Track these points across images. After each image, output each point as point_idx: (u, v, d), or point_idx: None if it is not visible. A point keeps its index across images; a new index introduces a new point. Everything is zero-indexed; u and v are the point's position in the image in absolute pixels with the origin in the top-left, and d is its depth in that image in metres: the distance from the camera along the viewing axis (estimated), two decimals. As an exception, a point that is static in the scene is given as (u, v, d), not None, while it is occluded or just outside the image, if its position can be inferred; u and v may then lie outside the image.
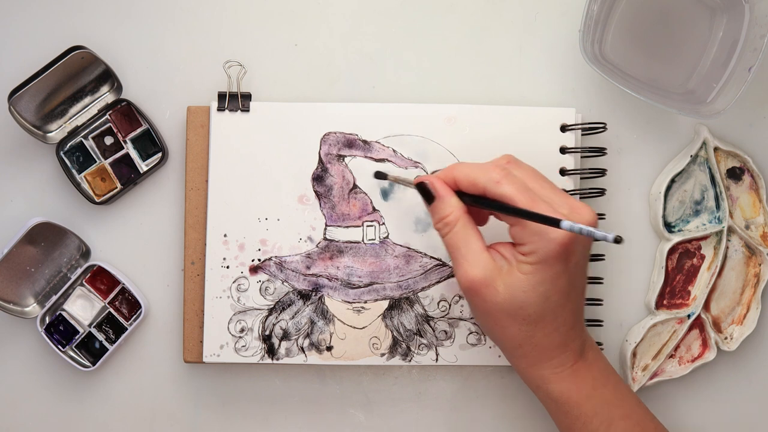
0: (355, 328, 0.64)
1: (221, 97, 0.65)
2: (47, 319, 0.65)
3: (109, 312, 0.66)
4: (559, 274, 0.53)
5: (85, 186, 0.66)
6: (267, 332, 0.64)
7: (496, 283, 0.54)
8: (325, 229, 0.64)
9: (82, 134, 0.66)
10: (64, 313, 0.65)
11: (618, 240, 0.48)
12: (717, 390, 0.68)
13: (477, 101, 0.66)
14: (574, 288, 0.55)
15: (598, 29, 0.65)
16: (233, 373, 0.67)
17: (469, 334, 0.65)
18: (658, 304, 0.66)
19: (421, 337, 0.65)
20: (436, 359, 0.65)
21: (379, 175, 0.64)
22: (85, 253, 0.66)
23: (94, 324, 0.66)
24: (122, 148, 0.66)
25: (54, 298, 0.65)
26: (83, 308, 0.66)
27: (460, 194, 0.56)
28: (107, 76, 0.65)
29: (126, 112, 0.66)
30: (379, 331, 0.64)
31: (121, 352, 0.67)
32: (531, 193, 0.54)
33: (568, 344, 0.56)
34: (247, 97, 0.65)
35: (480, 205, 0.56)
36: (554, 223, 0.51)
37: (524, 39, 0.68)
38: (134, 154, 0.66)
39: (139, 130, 0.66)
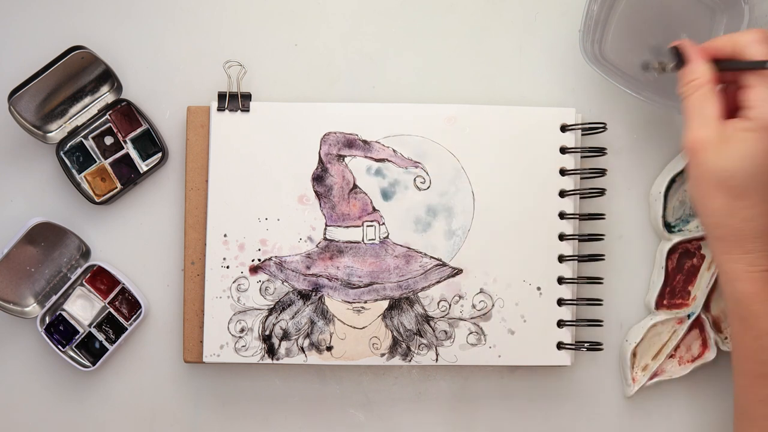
0: (355, 328, 0.64)
1: (221, 97, 0.65)
2: (47, 319, 0.65)
3: (109, 312, 0.66)
4: None
5: (85, 186, 0.66)
6: (267, 332, 0.64)
7: (716, 147, 0.54)
8: (325, 229, 0.64)
9: (82, 134, 0.66)
10: (64, 313, 0.65)
11: None
12: (717, 390, 0.68)
13: (477, 101, 0.66)
14: None
15: (598, 29, 0.65)
16: (233, 373, 0.67)
17: (469, 334, 0.65)
18: (658, 304, 0.66)
19: (421, 337, 0.65)
20: (436, 359, 0.65)
21: (646, 66, 0.63)
22: (85, 253, 0.66)
23: (94, 324, 0.66)
24: (122, 148, 0.66)
25: (54, 298, 0.65)
26: (83, 308, 0.66)
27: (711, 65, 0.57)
28: (107, 76, 0.65)
29: (126, 112, 0.66)
30: (379, 331, 0.64)
31: (121, 352, 0.67)
32: None
33: (766, 242, 0.54)
34: (247, 97, 0.65)
35: (730, 68, 0.57)
36: None
37: (524, 39, 0.68)
38: (134, 154, 0.66)
39: (139, 130, 0.66)
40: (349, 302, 0.64)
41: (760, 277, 0.54)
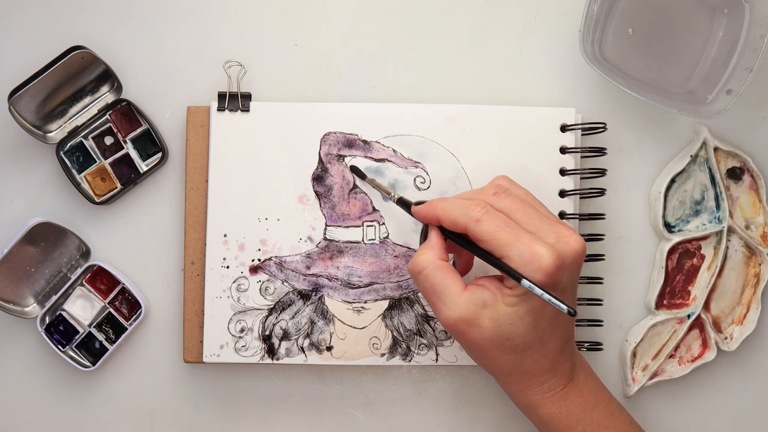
0: (355, 328, 0.64)
1: (221, 97, 0.65)
2: (47, 319, 0.65)
3: (109, 312, 0.66)
4: (545, 304, 0.53)
5: (85, 186, 0.66)
6: (267, 332, 0.64)
7: (480, 319, 0.54)
8: (325, 229, 0.64)
9: (82, 134, 0.66)
10: (64, 313, 0.65)
11: (571, 312, 0.50)
12: (717, 390, 0.68)
13: (477, 101, 0.66)
14: (561, 315, 0.55)
15: (598, 29, 0.65)
16: (233, 373, 0.67)
17: (469, 334, 0.65)
18: (658, 304, 0.66)
19: (421, 337, 0.65)
20: (436, 359, 0.65)
21: (355, 171, 0.64)
22: (85, 253, 0.66)
23: (94, 324, 0.66)
24: (122, 148, 0.66)
25: (54, 298, 0.65)
26: (83, 308, 0.66)
27: (444, 230, 0.57)
28: (107, 76, 0.65)
29: (126, 112, 0.66)
30: (379, 331, 0.64)
31: (121, 352, 0.67)
32: (512, 227, 0.53)
33: (558, 368, 0.56)
34: (247, 97, 0.65)
35: (461, 244, 0.56)
36: (516, 278, 0.51)
37: (524, 39, 0.68)
38: (134, 154, 0.66)
39: (139, 130, 0.66)
40: (349, 302, 0.64)
41: (560, 397, 0.56)
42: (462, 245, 0.56)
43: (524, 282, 0.51)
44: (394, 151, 0.65)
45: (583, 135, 0.66)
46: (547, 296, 0.51)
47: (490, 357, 0.55)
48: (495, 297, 0.54)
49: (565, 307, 0.50)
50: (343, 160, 0.65)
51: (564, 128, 0.65)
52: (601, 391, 0.59)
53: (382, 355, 0.64)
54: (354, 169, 0.64)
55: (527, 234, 0.53)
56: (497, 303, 0.54)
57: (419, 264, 0.55)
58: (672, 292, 0.67)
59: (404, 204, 0.60)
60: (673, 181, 0.66)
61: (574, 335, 0.58)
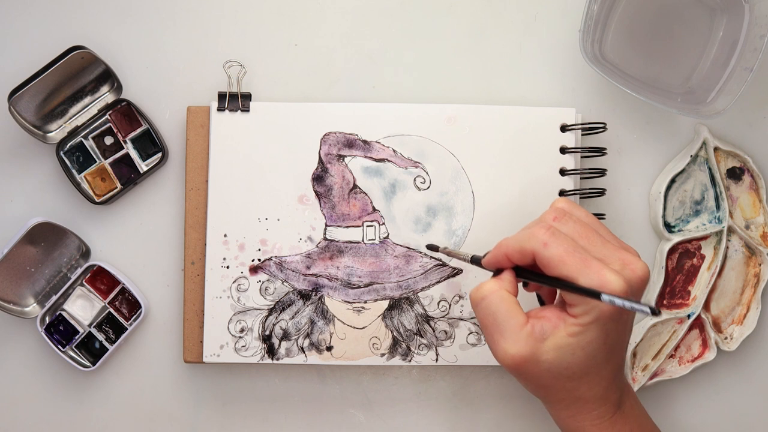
0: (355, 328, 0.64)
1: (221, 97, 0.65)
2: (47, 319, 0.65)
3: (109, 312, 0.66)
4: (609, 332, 0.53)
5: (85, 186, 0.66)
6: (267, 332, 0.64)
7: (539, 354, 0.53)
8: (325, 229, 0.64)
9: (82, 134, 0.66)
10: (64, 313, 0.65)
11: (655, 312, 0.48)
12: (717, 390, 0.68)
13: (477, 101, 0.66)
14: (620, 342, 0.55)
15: (598, 29, 0.65)
16: (233, 373, 0.67)
17: (469, 334, 0.65)
18: (658, 304, 0.66)
19: (421, 337, 0.65)
20: (436, 359, 0.65)
21: (432, 248, 0.64)
22: (85, 253, 0.66)
23: (94, 324, 0.66)
24: (122, 148, 0.66)
25: (54, 298, 0.65)
26: (83, 308, 0.66)
27: (519, 269, 0.55)
28: (107, 76, 0.65)
29: (126, 112, 0.66)
30: (379, 331, 0.64)
31: (121, 352, 0.67)
32: (580, 252, 0.52)
33: (609, 396, 0.55)
34: (247, 97, 0.65)
35: (534, 280, 0.55)
36: (595, 296, 0.50)
37: (524, 39, 0.68)
38: (134, 154, 0.66)
39: (139, 130, 0.66)
40: (349, 302, 0.64)
41: (609, 425, 0.56)
42: (533, 279, 0.55)
43: (604, 297, 0.50)
44: (394, 151, 0.65)
45: (583, 135, 0.66)
46: (629, 304, 0.49)
47: (546, 386, 0.55)
48: (556, 327, 0.53)
49: (648, 309, 0.49)
50: (343, 160, 0.65)
51: (564, 128, 0.65)
52: (646, 420, 0.58)
53: (382, 355, 0.64)
54: (431, 247, 0.64)
55: (595, 260, 0.52)
56: (558, 333, 0.53)
57: (483, 291, 0.54)
58: (672, 292, 0.67)
59: (477, 261, 0.58)
60: (673, 181, 0.66)
61: (624, 363, 0.58)
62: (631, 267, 0.52)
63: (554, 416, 0.57)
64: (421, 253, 0.65)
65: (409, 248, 0.65)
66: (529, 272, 0.55)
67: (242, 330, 0.64)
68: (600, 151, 0.65)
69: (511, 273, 0.55)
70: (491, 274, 0.57)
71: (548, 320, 0.53)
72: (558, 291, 0.56)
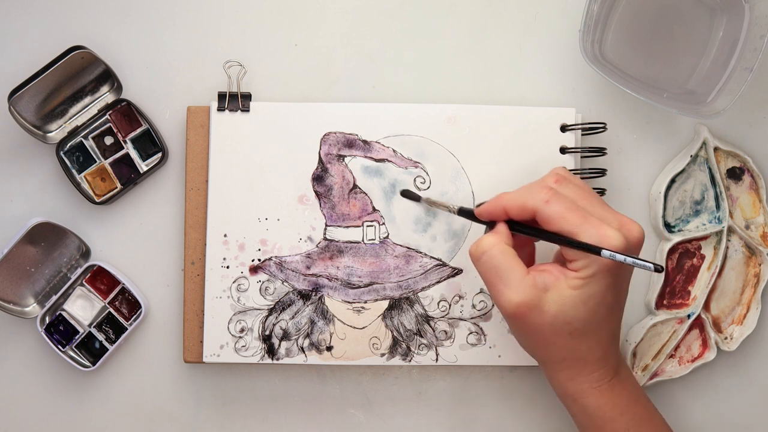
0: (355, 328, 0.64)
1: (221, 97, 0.65)
2: (47, 319, 0.65)
3: (109, 312, 0.66)
4: (609, 287, 0.54)
5: (85, 186, 0.66)
6: (267, 332, 0.64)
7: (542, 303, 0.54)
8: (325, 229, 0.64)
9: (82, 134, 0.66)
10: (64, 313, 0.65)
11: (658, 269, 0.50)
12: (717, 390, 0.68)
13: (477, 101, 0.66)
14: (618, 302, 0.56)
15: (598, 29, 0.65)
16: (233, 373, 0.67)
17: (469, 334, 0.65)
18: (658, 304, 0.66)
19: (421, 337, 0.65)
20: (436, 359, 0.65)
21: (408, 194, 0.64)
22: (85, 253, 0.66)
23: (94, 324, 0.66)
24: (122, 148, 0.66)
25: (54, 298, 0.65)
26: (83, 308, 0.66)
27: (511, 224, 0.57)
28: (107, 76, 0.65)
29: (126, 112, 0.66)
30: (379, 331, 0.64)
31: (121, 352, 0.67)
32: (580, 210, 0.54)
33: (608, 359, 0.57)
34: (247, 97, 0.65)
35: (530, 233, 0.56)
36: (595, 251, 0.52)
37: (524, 39, 0.68)
38: (134, 154, 0.66)
39: (139, 130, 0.66)
40: (349, 302, 0.64)
41: (608, 388, 0.57)
42: (530, 233, 0.56)
43: (604, 252, 0.52)
44: (394, 151, 0.65)
45: (583, 135, 0.66)
46: (630, 259, 0.51)
47: (547, 342, 0.55)
48: (558, 280, 0.54)
49: (651, 265, 0.50)
50: (343, 160, 0.65)
51: (564, 128, 0.65)
52: (640, 389, 0.59)
53: (382, 355, 0.64)
54: (406, 194, 0.64)
55: (594, 217, 0.54)
56: (560, 286, 0.54)
57: (483, 245, 0.55)
58: (672, 292, 0.67)
59: (466, 213, 0.60)
60: (673, 181, 0.66)
61: (621, 331, 0.59)
62: (627, 227, 0.54)
63: (553, 380, 0.58)
64: (421, 253, 0.65)
65: (409, 248, 0.65)
66: (524, 226, 0.56)
67: (242, 330, 0.64)
68: (600, 151, 0.65)
69: (506, 226, 0.57)
70: (479, 226, 0.59)
71: (549, 273, 0.55)
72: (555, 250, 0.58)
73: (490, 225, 0.58)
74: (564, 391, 0.58)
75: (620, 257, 0.51)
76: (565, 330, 0.54)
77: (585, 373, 0.56)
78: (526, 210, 0.55)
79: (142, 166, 0.66)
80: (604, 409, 0.57)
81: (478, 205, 0.58)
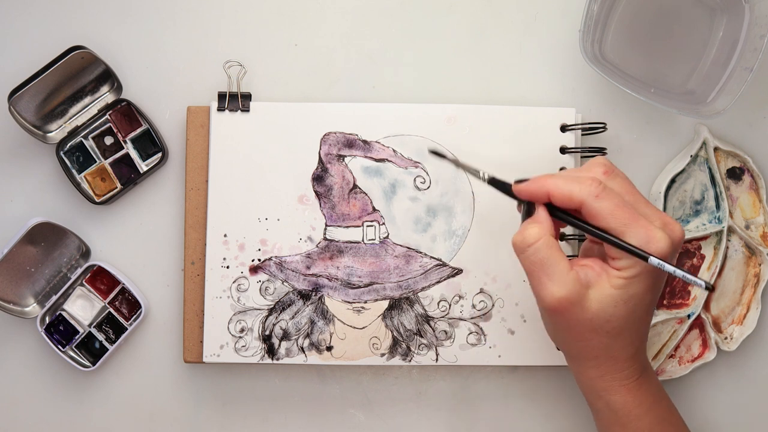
0: (355, 328, 0.64)
1: (221, 97, 0.65)
2: (47, 319, 0.65)
3: (109, 312, 0.66)
4: (649, 288, 0.53)
5: (85, 186, 0.66)
6: (267, 332, 0.64)
7: (584, 300, 0.53)
8: (325, 229, 0.64)
9: (82, 134, 0.66)
10: (64, 313, 0.65)
11: (709, 287, 0.49)
12: (717, 390, 0.68)
13: (477, 101, 0.66)
14: (653, 302, 0.55)
15: (598, 29, 0.65)
16: (233, 373, 0.67)
17: (469, 334, 0.65)
18: (658, 304, 0.66)
19: (421, 337, 0.65)
20: (436, 359, 0.65)
21: (436, 153, 0.60)
22: (85, 253, 0.66)
23: (94, 324, 0.66)
24: (122, 148, 0.66)
25: (54, 298, 0.65)
26: (83, 308, 0.66)
27: (550, 207, 0.55)
28: (107, 76, 0.65)
29: (126, 112, 0.66)
30: (379, 331, 0.64)
31: (121, 352, 0.67)
32: (629, 208, 0.53)
33: (638, 357, 0.56)
34: (247, 97, 0.65)
35: (574, 224, 0.55)
36: (643, 257, 0.51)
37: (524, 39, 0.68)
38: (134, 154, 0.66)
39: (139, 130, 0.66)
40: (349, 302, 0.64)
41: (635, 386, 0.56)
42: (572, 223, 0.54)
43: (652, 259, 0.51)
44: (394, 151, 0.65)
45: (583, 135, 0.66)
46: (680, 272, 0.50)
47: (582, 339, 0.55)
48: (600, 278, 0.53)
49: (702, 282, 0.50)
50: (343, 160, 0.65)
51: (564, 128, 0.65)
52: (663, 389, 0.59)
53: (382, 355, 0.64)
54: (435, 152, 0.60)
55: (642, 217, 0.53)
56: (602, 284, 0.53)
57: (528, 237, 0.53)
58: (672, 292, 0.67)
59: (498, 184, 0.57)
60: (673, 181, 0.66)
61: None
62: (670, 227, 0.53)
63: (581, 375, 0.57)
64: (421, 253, 0.65)
65: (409, 248, 0.65)
66: (567, 214, 0.54)
67: (242, 330, 0.64)
68: (600, 151, 0.65)
69: (547, 214, 0.54)
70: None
71: (592, 269, 0.54)
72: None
73: (524, 203, 0.55)
74: (591, 386, 0.57)
75: (670, 268, 0.50)
76: (604, 328, 0.54)
77: (615, 371, 0.56)
78: (573, 201, 0.53)
79: (142, 166, 0.66)
80: (629, 407, 0.56)
81: (518, 181, 0.55)
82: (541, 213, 0.55)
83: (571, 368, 0.58)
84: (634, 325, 0.54)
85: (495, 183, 0.57)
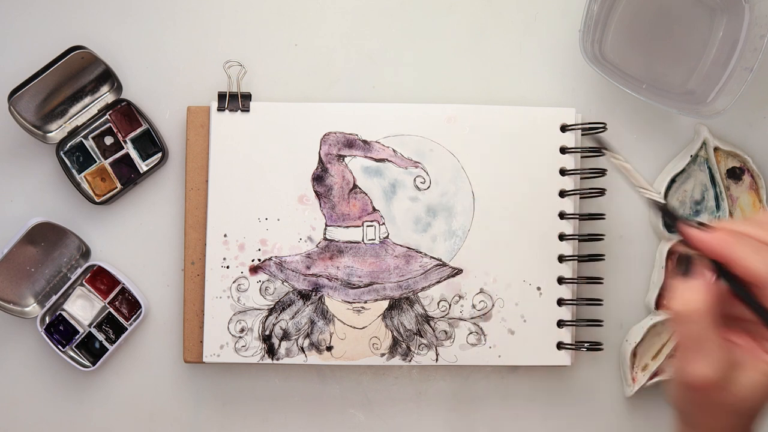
0: (355, 328, 0.64)
1: (221, 97, 0.65)
2: (47, 319, 0.65)
3: (109, 312, 0.66)
4: None
5: (85, 186, 0.66)
6: (267, 332, 0.64)
7: (729, 383, 0.47)
8: (325, 229, 0.64)
9: (82, 134, 0.66)
10: (64, 313, 0.65)
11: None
12: (717, 390, 0.68)
13: (477, 101, 0.66)
14: None
15: (598, 29, 0.65)
16: (233, 373, 0.67)
17: (469, 334, 0.65)
18: (658, 304, 0.66)
19: (421, 337, 0.65)
20: (436, 359, 0.65)
21: (602, 144, 0.54)
22: (85, 253, 0.66)
23: (94, 324, 0.66)
24: (122, 148, 0.66)
25: (54, 298, 0.65)
26: (83, 308, 0.66)
27: (719, 269, 0.48)
28: (107, 76, 0.65)
29: (126, 112, 0.66)
30: (379, 331, 0.64)
31: (121, 352, 0.67)
32: None
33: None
34: (247, 97, 0.65)
35: (747, 302, 0.47)
36: None
37: (524, 39, 0.68)
38: (134, 154, 0.66)
39: (139, 130, 0.66)
40: (349, 302, 0.64)
41: None
42: (746, 301, 0.47)
43: None
44: (394, 151, 0.65)
45: (583, 135, 0.66)
46: None
47: (720, 420, 0.49)
48: (754, 361, 0.47)
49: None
50: (343, 160, 0.65)
51: (564, 128, 0.65)
52: None
53: (382, 355, 0.64)
54: (600, 142, 0.55)
55: None
56: (756, 369, 0.47)
57: (691, 307, 0.47)
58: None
59: (667, 214, 0.51)
60: (673, 181, 0.66)
61: None
62: None
63: None
64: (421, 253, 0.65)
65: (409, 248, 0.65)
66: (740, 288, 0.47)
67: (242, 330, 0.64)
68: (600, 151, 0.65)
69: (715, 281, 0.47)
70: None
71: (743, 350, 0.48)
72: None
73: (687, 263, 0.48)
74: None
75: None
76: (746, 414, 0.48)
77: None
78: (756, 279, 0.46)
79: (142, 166, 0.66)
80: None
81: (697, 223, 0.49)
82: (711, 282, 0.47)
83: None
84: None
85: (665, 213, 0.51)
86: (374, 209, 0.65)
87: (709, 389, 0.48)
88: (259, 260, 0.64)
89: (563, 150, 0.65)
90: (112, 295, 0.66)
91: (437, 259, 0.65)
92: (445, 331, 0.65)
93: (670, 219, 0.50)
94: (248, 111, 0.65)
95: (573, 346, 0.65)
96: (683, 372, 0.48)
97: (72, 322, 0.65)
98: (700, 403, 0.49)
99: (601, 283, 0.66)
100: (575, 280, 0.65)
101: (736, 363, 0.47)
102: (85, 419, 0.67)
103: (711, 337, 0.47)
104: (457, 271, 0.65)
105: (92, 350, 0.66)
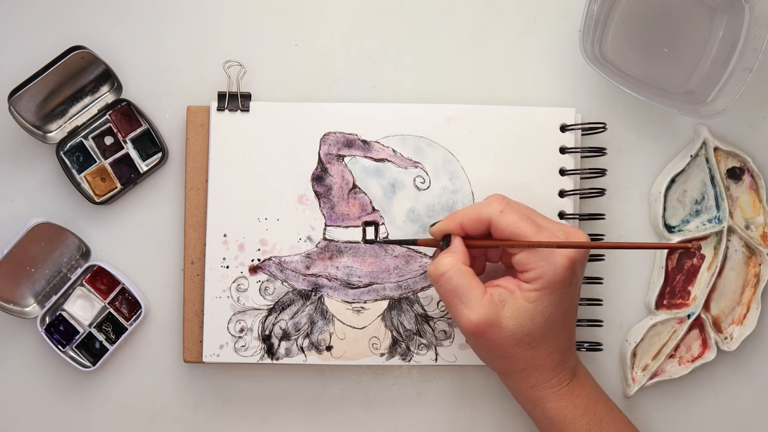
0: (354, 328, 0.64)
1: (221, 97, 0.65)
2: (47, 319, 0.65)
3: (109, 312, 0.66)
4: (563, 296, 0.56)
5: (85, 186, 0.66)
6: (267, 332, 0.64)
7: (500, 319, 0.56)
8: (325, 229, 0.64)
9: (82, 134, 0.66)
10: (64, 313, 0.65)
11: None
12: (717, 390, 0.68)
13: (477, 101, 0.66)
14: (572, 307, 0.58)
15: (598, 29, 0.65)
16: (233, 373, 0.67)
17: (468, 334, 0.65)
18: (658, 304, 0.66)
19: (421, 337, 0.65)
20: (436, 359, 0.65)
21: (369, 239, 0.64)
22: (85, 253, 0.66)
23: (94, 324, 0.66)
24: (122, 148, 0.66)
25: (54, 298, 0.65)
26: (83, 308, 0.66)
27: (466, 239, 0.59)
28: (107, 76, 0.65)
29: (126, 112, 0.66)
30: (378, 331, 0.64)
31: (121, 352, 0.67)
32: (532, 220, 0.57)
33: (566, 362, 0.58)
34: (247, 97, 0.65)
35: (485, 245, 0.58)
36: (556, 246, 0.55)
37: (524, 39, 0.68)
38: (134, 154, 0.66)
39: (139, 130, 0.66)
40: (348, 302, 0.64)
41: (566, 391, 0.58)
42: (485, 245, 0.58)
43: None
44: (393, 151, 0.65)
45: (583, 135, 0.66)
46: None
47: (507, 355, 0.57)
48: (513, 294, 0.56)
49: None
50: (343, 159, 0.65)
51: (564, 128, 0.65)
52: (600, 389, 0.61)
53: (382, 355, 0.64)
54: (368, 240, 0.65)
55: (545, 228, 0.56)
56: (516, 300, 0.56)
57: (441, 266, 0.57)
58: (672, 292, 0.67)
59: (407, 241, 0.63)
60: (673, 181, 0.66)
61: (575, 332, 0.60)
62: (574, 235, 0.57)
63: (514, 390, 0.60)
64: (420, 253, 0.65)
65: (408, 248, 0.65)
66: (480, 239, 0.58)
67: (242, 330, 0.64)
68: (600, 151, 0.65)
69: (462, 243, 0.58)
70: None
71: (504, 288, 0.57)
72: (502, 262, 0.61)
73: (443, 241, 0.59)
74: (524, 397, 0.59)
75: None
76: (524, 342, 0.56)
77: (544, 380, 0.58)
78: (482, 221, 0.57)
79: (142, 166, 0.66)
80: (564, 412, 0.58)
81: (432, 225, 0.60)
82: (455, 243, 0.58)
83: (505, 384, 0.61)
84: (554, 334, 0.57)
85: (404, 242, 0.63)
86: (374, 209, 0.65)
87: (483, 330, 0.56)
88: (259, 260, 0.64)
89: (563, 150, 0.65)
90: (112, 295, 0.66)
91: (437, 259, 0.65)
92: (444, 330, 0.65)
93: (411, 243, 0.63)
94: (248, 111, 0.65)
95: (573, 346, 0.65)
96: (458, 324, 0.57)
97: (72, 322, 0.65)
98: (485, 345, 0.57)
99: (601, 283, 0.66)
100: (575, 280, 0.65)
101: (501, 301, 0.56)
102: (85, 419, 0.67)
103: (468, 286, 0.56)
104: (457, 271, 0.65)
105: (92, 350, 0.66)
